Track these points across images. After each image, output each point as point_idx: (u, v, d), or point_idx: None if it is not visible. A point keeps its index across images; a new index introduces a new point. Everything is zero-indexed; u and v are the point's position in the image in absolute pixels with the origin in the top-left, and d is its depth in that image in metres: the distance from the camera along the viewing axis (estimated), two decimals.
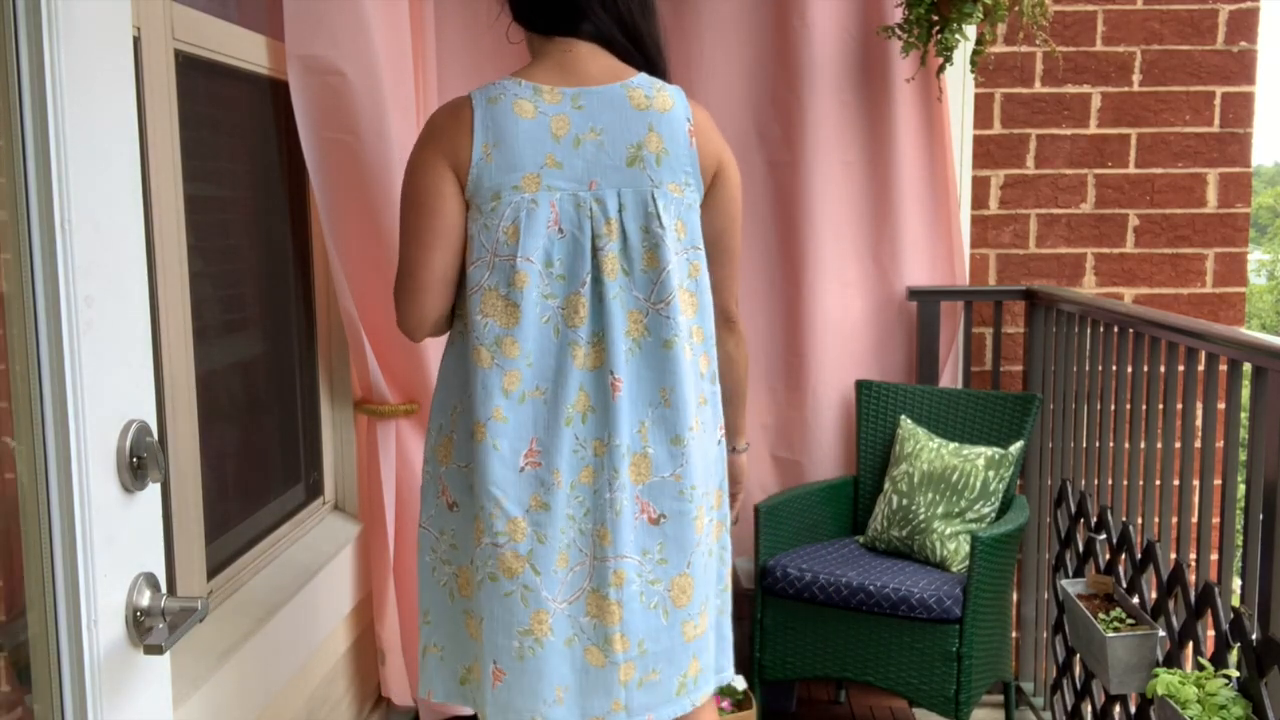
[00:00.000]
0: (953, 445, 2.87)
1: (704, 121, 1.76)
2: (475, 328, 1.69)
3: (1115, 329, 2.49)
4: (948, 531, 2.77)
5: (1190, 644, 2.11)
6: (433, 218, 1.70)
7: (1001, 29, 3.03)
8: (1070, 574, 2.67)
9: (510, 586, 1.69)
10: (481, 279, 1.69)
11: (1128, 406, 2.44)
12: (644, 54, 1.76)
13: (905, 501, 2.84)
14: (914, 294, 3.05)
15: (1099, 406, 2.58)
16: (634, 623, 1.71)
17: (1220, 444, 2.60)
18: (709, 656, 1.81)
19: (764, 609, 2.76)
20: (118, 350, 0.99)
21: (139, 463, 1.00)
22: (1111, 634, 2.13)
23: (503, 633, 1.70)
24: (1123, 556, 2.39)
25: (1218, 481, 2.37)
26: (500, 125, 1.67)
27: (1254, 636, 1.83)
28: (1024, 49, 3.12)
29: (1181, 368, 2.21)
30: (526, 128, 1.67)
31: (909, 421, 2.97)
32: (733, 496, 2.00)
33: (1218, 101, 3.12)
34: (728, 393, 1.92)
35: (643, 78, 1.73)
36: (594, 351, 1.69)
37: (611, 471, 1.68)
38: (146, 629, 1.01)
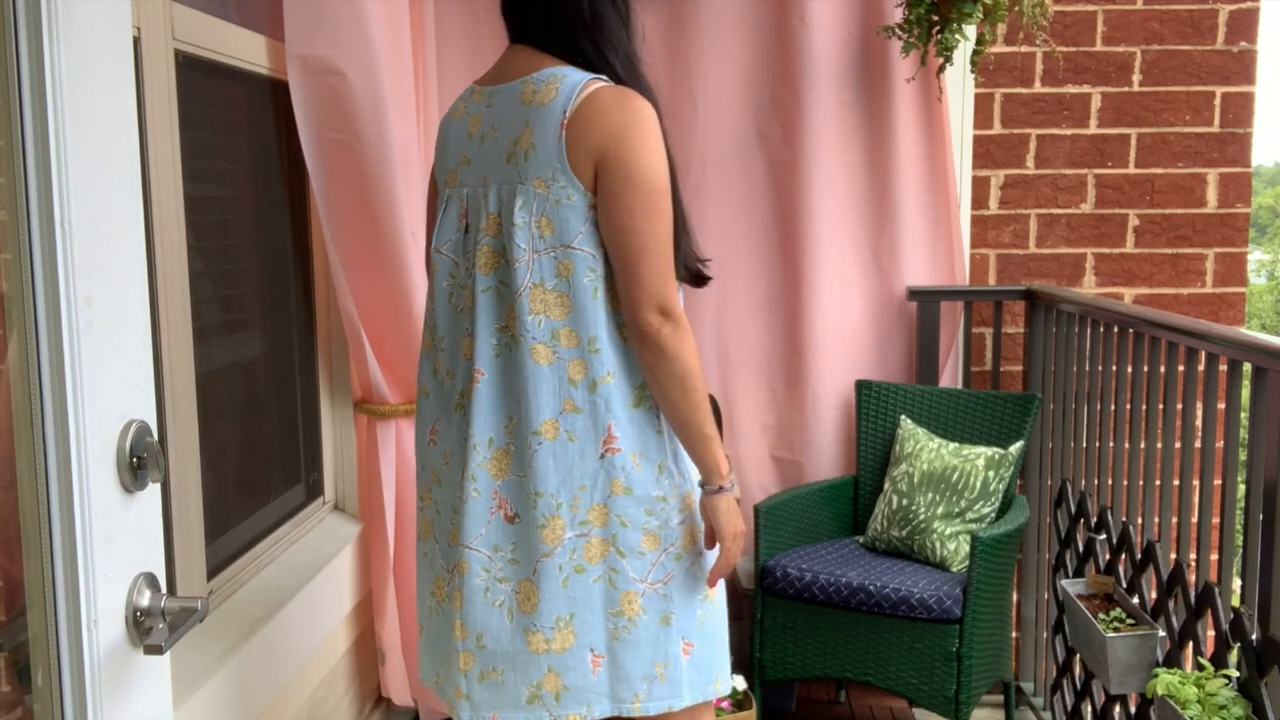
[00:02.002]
0: (953, 445, 2.87)
1: (589, 114, 1.62)
2: (425, 313, 1.87)
3: (1115, 329, 2.49)
4: (948, 531, 2.77)
5: (1190, 644, 2.11)
6: (427, 217, 1.93)
7: (1001, 29, 3.03)
8: (1070, 574, 2.67)
9: (425, 549, 1.86)
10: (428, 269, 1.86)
11: (1128, 406, 2.44)
12: (579, 52, 1.70)
13: (905, 501, 2.84)
14: (914, 294, 3.05)
15: (1099, 406, 2.58)
16: (473, 615, 1.73)
17: (1220, 444, 2.60)
18: (582, 679, 1.71)
19: (764, 609, 2.76)
20: (118, 350, 0.99)
21: (139, 463, 1.00)
22: (1111, 634, 2.13)
23: (421, 592, 1.87)
24: (1123, 556, 2.39)
25: (1218, 481, 2.37)
26: (442, 126, 1.84)
27: (1254, 636, 1.83)
28: (1024, 49, 3.12)
29: (1181, 368, 2.21)
30: (454, 128, 1.80)
31: (909, 421, 2.97)
32: (708, 541, 1.78)
33: (1218, 101, 3.12)
34: (668, 417, 1.72)
35: (547, 72, 1.67)
36: (471, 342, 1.74)
37: (469, 462, 1.71)
38: (146, 629, 1.01)
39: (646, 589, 1.73)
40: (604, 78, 1.68)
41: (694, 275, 1.80)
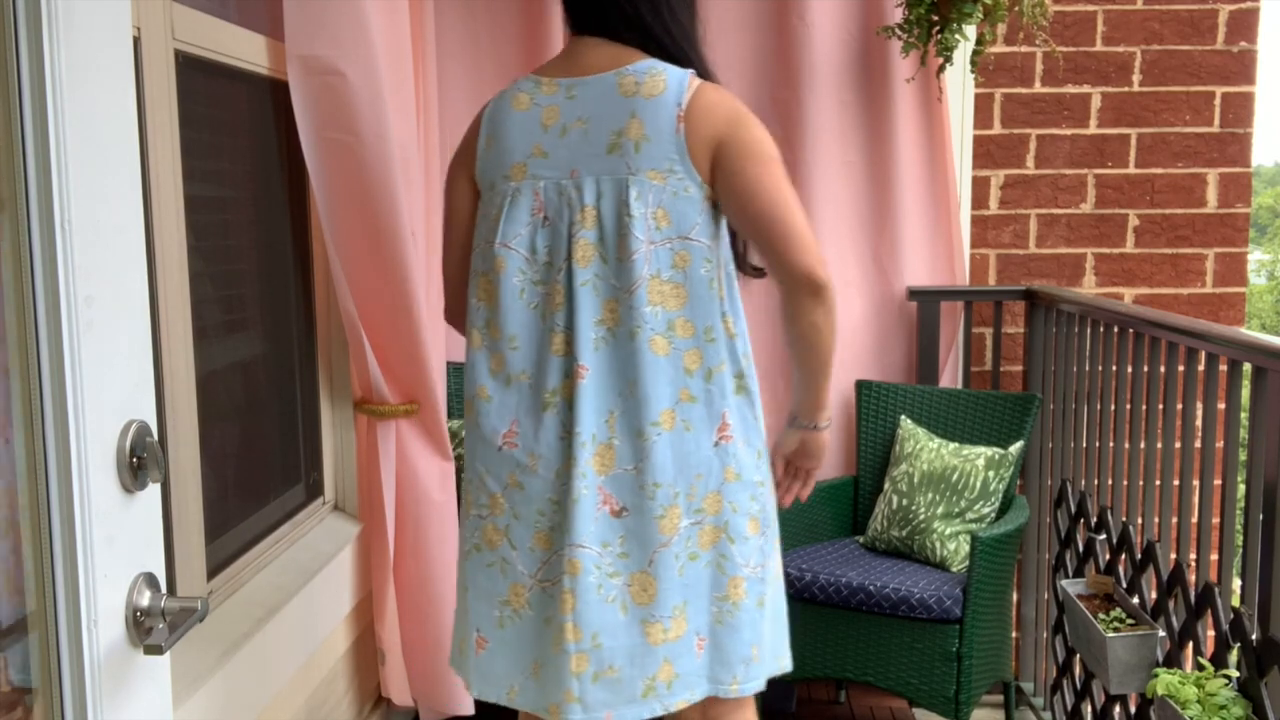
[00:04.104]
0: (953, 445, 2.87)
1: (703, 105, 1.67)
2: (471, 311, 1.80)
3: (1115, 329, 2.49)
4: (948, 531, 2.77)
5: (1190, 644, 2.11)
6: (448, 217, 1.87)
7: (1001, 29, 3.03)
8: (1070, 574, 2.67)
9: (492, 557, 1.79)
10: (476, 265, 1.80)
11: (1128, 406, 2.44)
12: (660, 46, 1.73)
13: (905, 501, 2.84)
14: (914, 294, 3.05)
15: (1099, 406, 2.58)
16: (587, 614, 1.70)
17: (1220, 444, 2.60)
18: (690, 663, 1.74)
19: None
20: (118, 350, 0.99)
21: (139, 463, 1.00)
22: (1111, 634, 2.13)
23: (485, 601, 1.79)
24: (1123, 556, 2.39)
25: (1218, 481, 2.37)
26: (498, 118, 1.78)
27: (1254, 636, 1.83)
28: (1024, 49, 3.12)
29: (1181, 368, 2.21)
30: (519, 119, 1.75)
31: (909, 421, 2.97)
32: (805, 472, 1.92)
33: (1218, 101, 3.12)
34: (809, 364, 1.78)
35: (644, 64, 1.70)
36: (569, 338, 1.71)
37: (572, 460, 1.69)
38: (146, 629, 1.01)
39: (749, 573, 1.77)
40: (693, 71, 1.72)
41: (754, 267, 1.85)
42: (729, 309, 1.75)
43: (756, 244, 1.72)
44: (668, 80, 1.67)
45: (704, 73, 1.75)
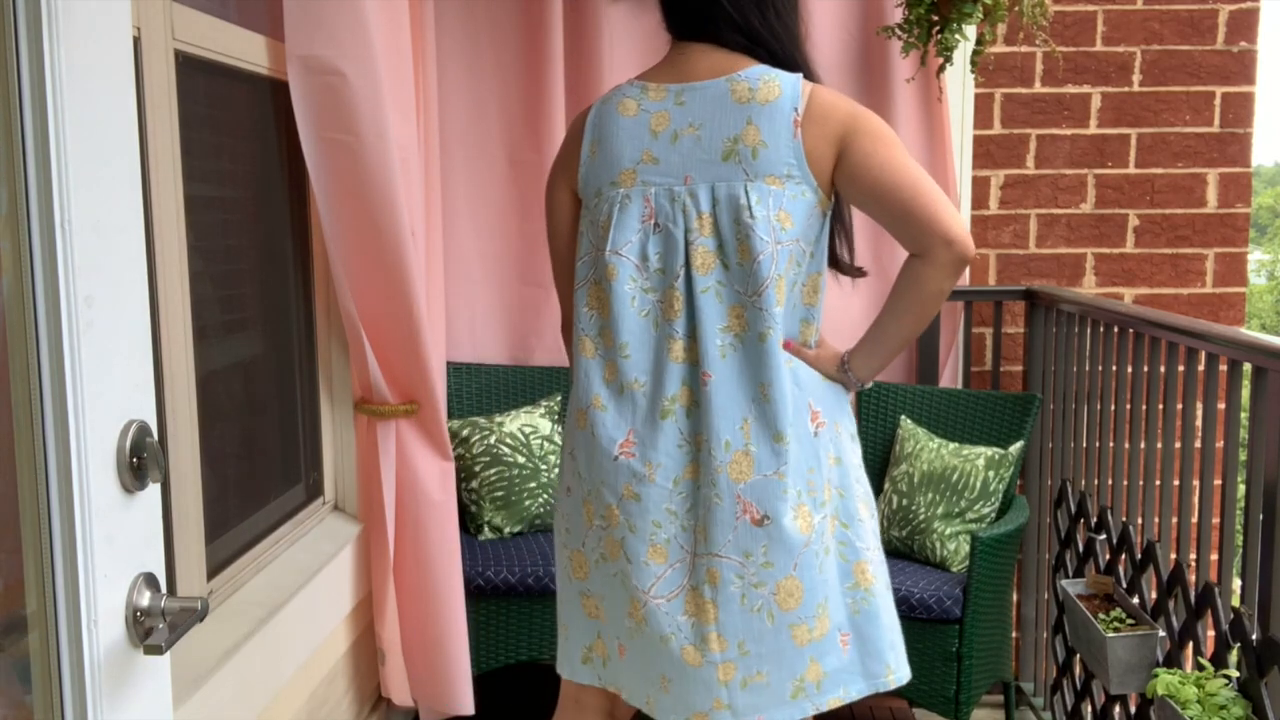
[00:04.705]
0: (953, 445, 2.87)
1: (820, 108, 1.66)
2: (580, 319, 1.78)
3: (1115, 329, 2.49)
4: (948, 532, 2.77)
5: (1190, 644, 2.11)
6: (551, 231, 1.88)
7: (1001, 29, 3.03)
8: (1070, 574, 2.67)
9: (614, 568, 1.76)
10: (585, 273, 1.78)
11: (1128, 406, 2.44)
12: (768, 51, 1.72)
13: (905, 502, 2.84)
14: None
15: (1099, 406, 2.58)
16: (732, 623, 1.67)
17: (1220, 444, 2.60)
18: (837, 660, 1.72)
19: None
20: (118, 350, 0.99)
21: (139, 463, 1.00)
22: (1111, 634, 2.13)
23: (619, 611, 1.77)
24: (1123, 557, 2.39)
25: (1218, 481, 2.37)
26: (603, 124, 1.76)
27: (1254, 636, 1.83)
28: (1024, 49, 3.12)
29: (1181, 368, 2.21)
30: (626, 125, 1.73)
31: (909, 422, 2.97)
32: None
33: (1218, 101, 3.13)
34: (904, 330, 1.72)
35: (755, 70, 1.69)
36: (691, 345, 1.70)
37: (701, 467, 1.68)
38: (146, 629, 1.01)
39: (871, 555, 1.76)
40: (803, 75, 1.71)
41: (857, 269, 1.88)
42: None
43: (897, 219, 1.66)
44: (782, 86, 1.66)
45: (810, 75, 1.74)
